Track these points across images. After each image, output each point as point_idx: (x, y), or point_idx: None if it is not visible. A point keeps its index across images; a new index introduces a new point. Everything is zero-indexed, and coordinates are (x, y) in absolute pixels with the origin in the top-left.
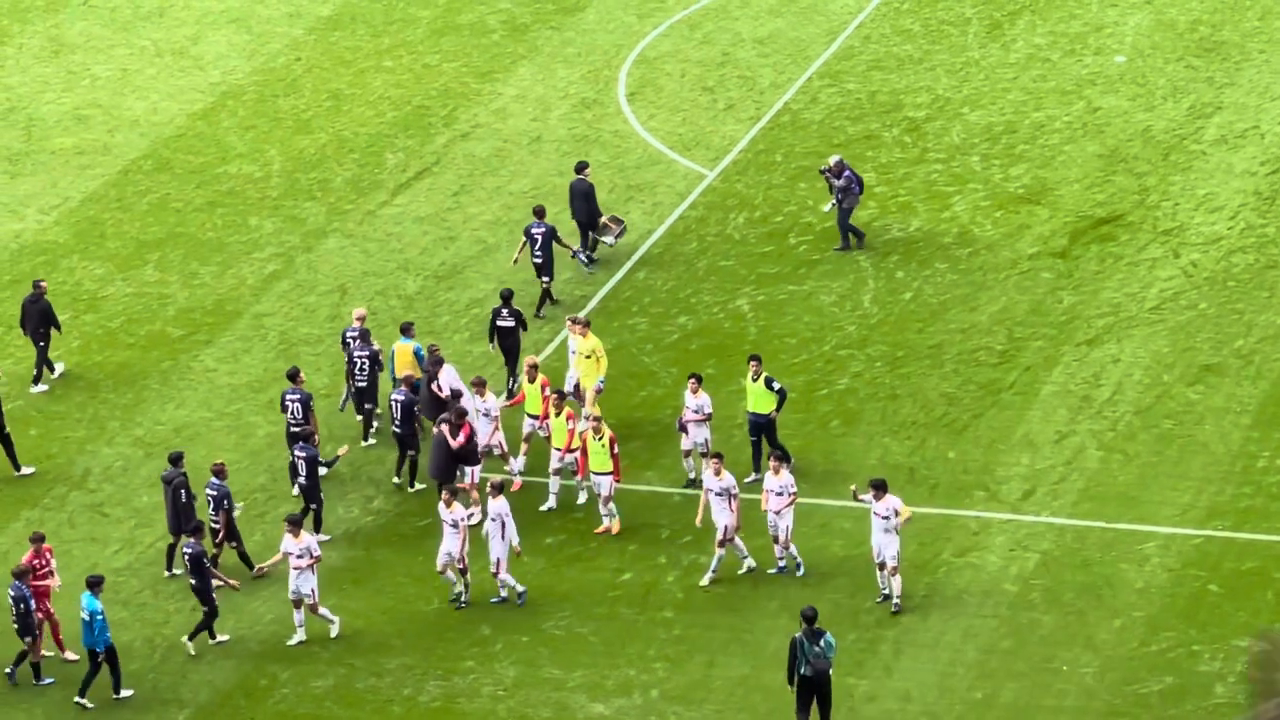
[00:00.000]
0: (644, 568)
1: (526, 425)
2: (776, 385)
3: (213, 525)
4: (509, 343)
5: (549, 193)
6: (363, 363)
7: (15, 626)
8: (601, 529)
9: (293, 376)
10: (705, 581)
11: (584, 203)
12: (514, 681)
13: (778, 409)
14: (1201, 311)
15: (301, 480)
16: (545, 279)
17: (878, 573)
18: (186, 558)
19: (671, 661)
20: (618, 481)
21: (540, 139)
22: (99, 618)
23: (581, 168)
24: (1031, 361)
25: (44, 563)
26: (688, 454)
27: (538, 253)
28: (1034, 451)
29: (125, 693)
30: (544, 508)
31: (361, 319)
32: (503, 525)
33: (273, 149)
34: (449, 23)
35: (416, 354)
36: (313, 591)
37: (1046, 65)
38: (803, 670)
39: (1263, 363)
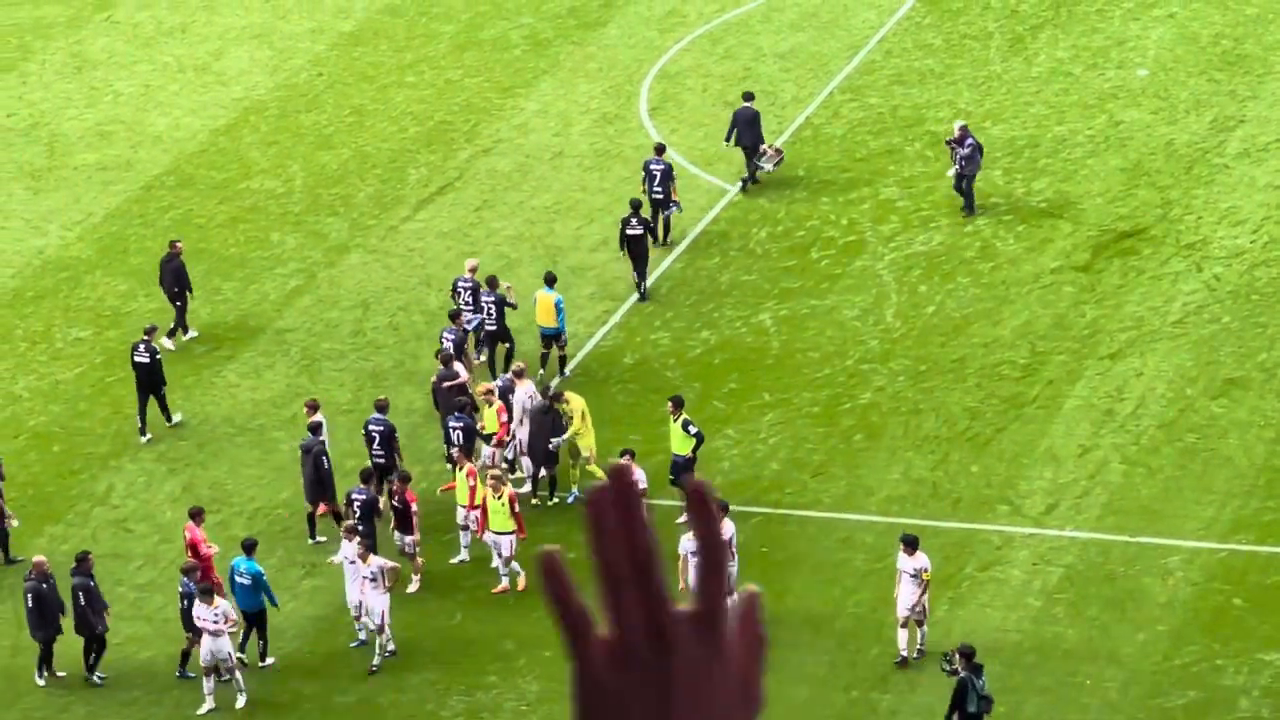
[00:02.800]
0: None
1: (459, 515)
2: (693, 429)
3: (377, 461)
4: (637, 249)
5: (571, 207)
6: (489, 307)
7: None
8: (499, 589)
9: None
10: None
11: (748, 128)
12: (537, 696)
13: (694, 451)
14: (1225, 325)
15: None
16: (669, 210)
17: (899, 631)
18: (357, 505)
19: None
20: (523, 538)
21: (562, 154)
22: (262, 579)
23: (749, 97)
24: (1054, 375)
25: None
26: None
27: (656, 188)
28: (1057, 465)
29: (270, 660)
30: (455, 560)
31: (474, 270)
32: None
33: (295, 164)
34: (471, 38)
35: (557, 305)
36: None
37: (1069, 79)
38: (972, 708)
39: None
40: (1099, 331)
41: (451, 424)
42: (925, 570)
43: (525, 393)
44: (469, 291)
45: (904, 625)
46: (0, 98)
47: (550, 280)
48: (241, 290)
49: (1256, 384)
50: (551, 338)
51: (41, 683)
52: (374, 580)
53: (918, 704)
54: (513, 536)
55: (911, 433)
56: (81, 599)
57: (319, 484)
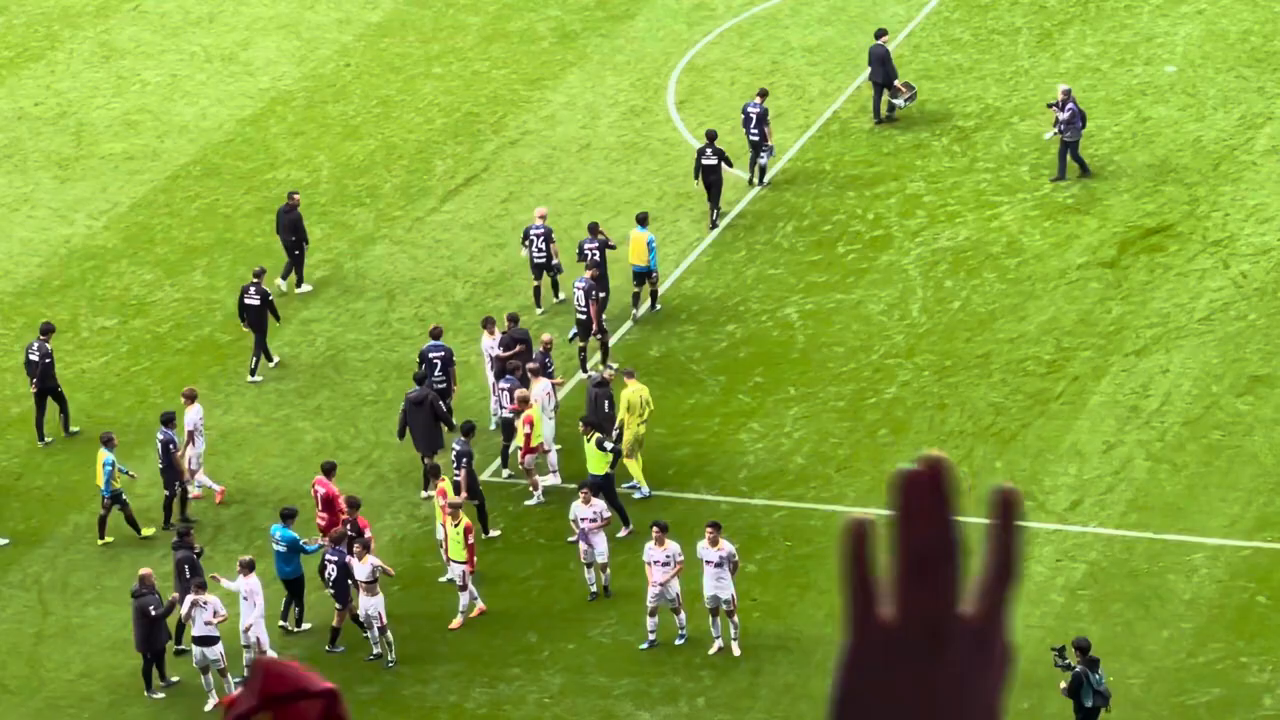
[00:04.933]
0: (690, 575)
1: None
2: (608, 445)
3: (438, 386)
4: (712, 179)
5: (598, 199)
6: (592, 253)
7: (331, 592)
8: (455, 623)
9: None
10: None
11: (880, 66)
12: (560, 689)
13: (611, 468)
14: (1251, 322)
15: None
16: (764, 155)
17: None
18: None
19: (718, 670)
20: (471, 572)
21: (589, 146)
22: (298, 543)
23: (880, 34)
24: (1079, 371)
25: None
26: (588, 566)
27: (753, 130)
28: (1082, 461)
29: (306, 625)
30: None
31: (544, 216)
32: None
33: (321, 155)
34: (498, 30)
35: (649, 245)
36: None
37: (1096, 75)
38: (1089, 703)
39: None
40: (1125, 328)
41: (501, 386)
42: None
43: (543, 390)
44: (541, 238)
45: None
46: (28, 86)
47: (643, 220)
48: (267, 281)
49: None
50: (644, 275)
51: (159, 695)
52: (370, 582)
53: None
54: (465, 566)
55: (936, 428)
56: (187, 571)
57: (434, 434)
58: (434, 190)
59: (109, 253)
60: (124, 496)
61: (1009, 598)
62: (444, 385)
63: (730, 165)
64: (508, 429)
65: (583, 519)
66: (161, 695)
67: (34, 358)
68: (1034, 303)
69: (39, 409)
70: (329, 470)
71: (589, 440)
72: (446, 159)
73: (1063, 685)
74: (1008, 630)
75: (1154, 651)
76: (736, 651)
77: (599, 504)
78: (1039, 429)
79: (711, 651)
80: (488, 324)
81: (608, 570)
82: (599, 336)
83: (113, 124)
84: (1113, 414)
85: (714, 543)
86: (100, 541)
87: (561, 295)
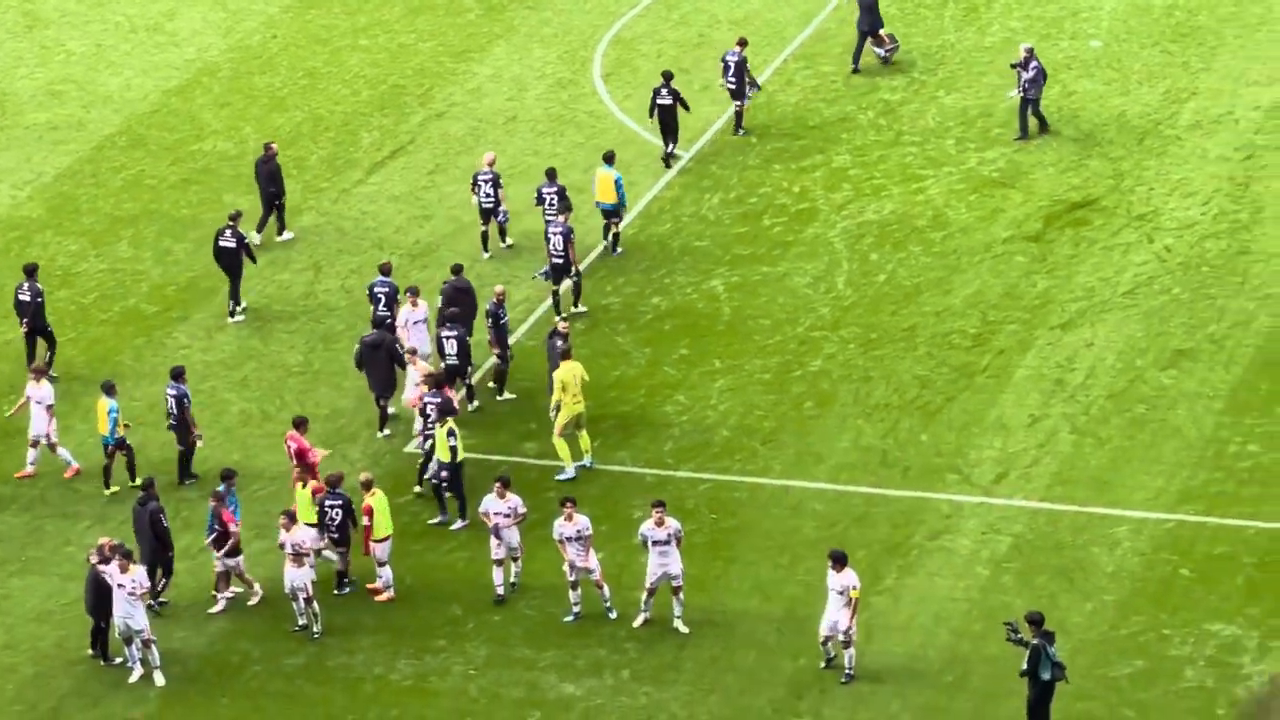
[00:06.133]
0: (616, 548)
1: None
2: (454, 440)
3: (383, 316)
4: (666, 118)
5: (524, 171)
6: (551, 197)
7: (334, 536)
8: (382, 597)
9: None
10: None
11: (868, 14)
12: (485, 661)
13: (454, 457)
14: (1175, 296)
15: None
16: (739, 102)
17: (822, 646)
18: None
19: (643, 642)
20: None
21: (515, 118)
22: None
23: None
24: (1005, 345)
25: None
26: (499, 563)
27: (730, 78)
28: (1007, 435)
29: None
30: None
31: (492, 163)
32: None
33: (248, 126)
34: (425, 2)
35: (617, 182)
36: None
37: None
38: (1046, 675)
39: (1235, 348)
40: (1050, 301)
41: (446, 334)
42: (853, 588)
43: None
44: (489, 183)
45: (824, 642)
46: None
47: (609, 158)
48: (193, 252)
49: (1206, 355)
50: (611, 213)
51: (117, 662)
52: (298, 556)
53: (866, 670)
54: (385, 543)
55: (861, 400)
56: (163, 520)
57: (389, 377)
58: (360, 162)
59: (33, 223)
60: (128, 443)
61: None
62: (389, 319)
63: (686, 108)
64: (451, 377)
65: (496, 513)
66: (120, 661)
67: (24, 298)
68: (959, 276)
69: (29, 348)
70: (300, 425)
71: (442, 429)
72: (373, 131)
73: (1023, 666)
74: None
75: (1078, 624)
76: (685, 629)
77: (514, 499)
78: (964, 402)
79: (637, 624)
80: (413, 293)
81: (519, 563)
82: (575, 279)
83: (36, 94)
84: (1037, 387)
85: (660, 523)
86: (106, 491)
87: (509, 241)
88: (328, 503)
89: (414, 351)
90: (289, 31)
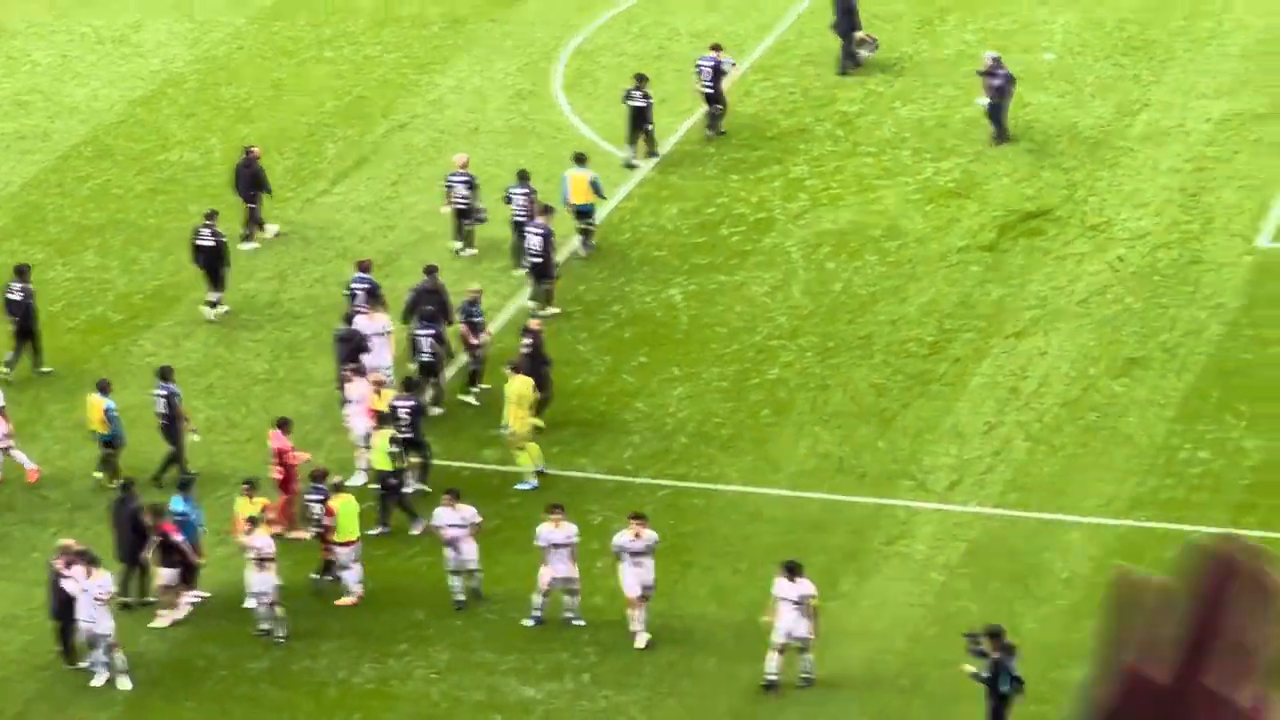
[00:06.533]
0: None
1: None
2: (394, 448)
3: (358, 312)
4: (637, 119)
5: (486, 181)
6: (519, 198)
7: (318, 532)
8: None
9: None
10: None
11: (846, 16)
12: (447, 665)
13: (397, 463)
14: (1127, 306)
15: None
16: (717, 105)
17: (772, 656)
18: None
19: (603, 646)
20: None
21: (477, 130)
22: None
23: None
24: (960, 353)
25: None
26: (456, 574)
27: (708, 84)
28: (962, 442)
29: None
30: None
31: (464, 164)
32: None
33: (214, 137)
34: (390, 14)
35: (593, 183)
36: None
37: (977, 61)
38: (1005, 688)
39: (1186, 356)
40: (1004, 310)
41: (420, 331)
42: (812, 597)
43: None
44: (464, 184)
45: (781, 651)
46: None
47: (580, 159)
48: (159, 260)
49: (1157, 363)
50: (585, 214)
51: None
52: (261, 561)
53: (821, 675)
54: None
55: (818, 408)
56: (147, 518)
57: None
58: (325, 173)
59: (0, 232)
60: (119, 443)
61: (1268, 678)
62: (364, 313)
63: (649, 120)
64: (426, 371)
65: (449, 525)
66: (86, 665)
67: (15, 297)
68: (915, 285)
69: (17, 347)
70: (283, 425)
71: (384, 437)
72: (337, 142)
73: (980, 671)
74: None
75: (1031, 629)
76: (641, 643)
77: (467, 510)
78: (920, 409)
79: (640, 645)
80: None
81: (478, 575)
82: (548, 281)
83: (2, 104)
84: (992, 395)
85: (638, 535)
86: (113, 484)
87: (465, 244)
88: (307, 498)
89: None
90: (255, 43)
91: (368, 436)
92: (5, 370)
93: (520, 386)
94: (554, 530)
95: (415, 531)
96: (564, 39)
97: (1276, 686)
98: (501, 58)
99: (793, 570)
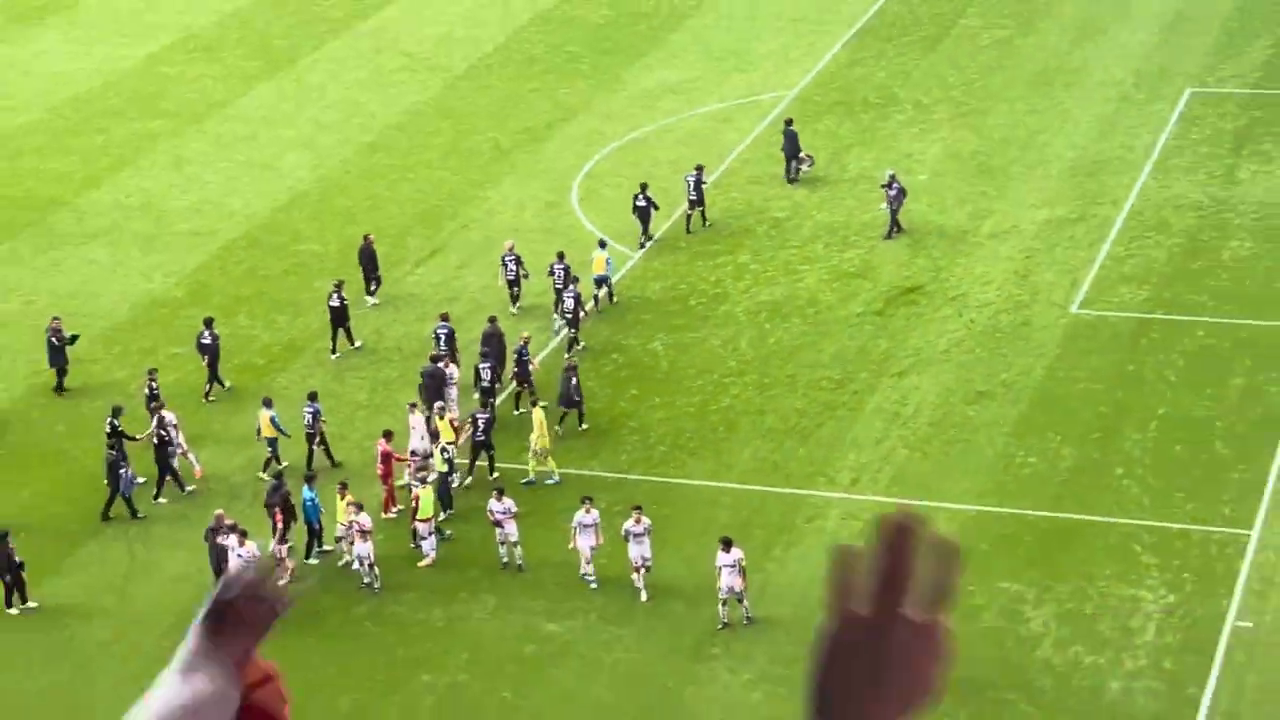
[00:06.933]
0: (600, 531)
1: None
2: (445, 455)
3: (441, 353)
4: (641, 215)
5: (526, 263)
6: (560, 271)
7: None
8: (424, 563)
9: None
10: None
11: (790, 142)
12: (494, 608)
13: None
14: (977, 355)
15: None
16: (701, 207)
17: (720, 606)
18: (481, 421)
19: (606, 596)
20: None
21: (517, 230)
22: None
23: (789, 121)
24: (858, 388)
25: None
26: (501, 544)
27: (693, 192)
28: (859, 450)
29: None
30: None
31: (512, 246)
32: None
33: (330, 234)
34: (455, 147)
35: (607, 262)
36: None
37: (871, 181)
38: None
39: (1020, 390)
40: (890, 357)
41: (483, 365)
42: (742, 560)
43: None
44: (513, 261)
45: (724, 603)
46: (123, 184)
47: (602, 244)
48: (292, 320)
49: (999, 395)
50: (601, 281)
51: None
52: (364, 533)
53: (762, 615)
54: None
55: (758, 426)
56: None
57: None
58: (408, 259)
59: (178, 302)
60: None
61: (945, 606)
62: (447, 353)
63: (656, 208)
64: (484, 394)
65: (497, 512)
66: None
67: (206, 341)
68: (826, 340)
69: (210, 380)
70: (387, 436)
71: (430, 485)
72: (417, 237)
73: None
74: (944, 627)
75: None
76: (645, 594)
77: (509, 501)
78: (830, 428)
79: (645, 599)
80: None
81: (519, 548)
82: (576, 330)
83: (184, 211)
84: (880, 417)
85: (638, 521)
86: (262, 474)
87: (518, 303)
88: (408, 484)
89: (440, 398)
90: (359, 168)
91: (428, 453)
92: (206, 398)
93: (540, 415)
94: (584, 515)
95: (442, 517)
96: (578, 167)
97: (945, 611)
98: (534, 179)
99: (727, 543)
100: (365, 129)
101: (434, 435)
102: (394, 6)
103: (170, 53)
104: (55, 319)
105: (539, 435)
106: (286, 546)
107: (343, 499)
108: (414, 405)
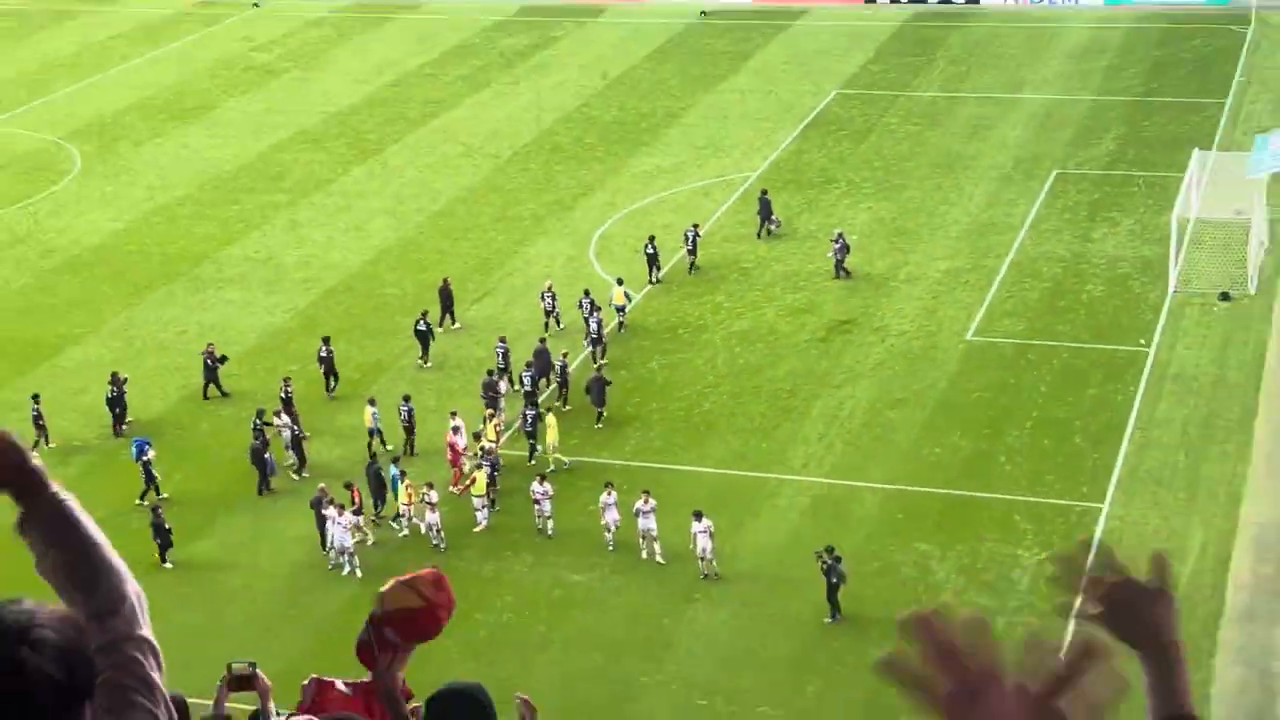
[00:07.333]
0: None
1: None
2: (487, 443)
3: (530, 376)
4: (650, 260)
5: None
6: (586, 306)
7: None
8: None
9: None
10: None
11: (765, 207)
12: (531, 564)
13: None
14: (896, 371)
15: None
16: (694, 256)
17: (699, 563)
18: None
19: (617, 555)
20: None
21: (548, 275)
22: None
23: (764, 191)
24: (806, 396)
25: None
26: (538, 517)
27: (690, 247)
28: (806, 444)
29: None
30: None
31: (550, 284)
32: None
33: (407, 280)
34: (501, 214)
35: (626, 295)
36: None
37: (816, 240)
38: (834, 580)
39: (928, 399)
40: (830, 374)
41: (526, 374)
42: (711, 527)
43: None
44: (550, 296)
45: (701, 559)
46: (252, 243)
47: (620, 281)
48: (379, 345)
49: (913, 402)
50: (620, 310)
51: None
52: (432, 505)
53: (731, 571)
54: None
55: (731, 425)
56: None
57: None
58: (466, 299)
59: (292, 333)
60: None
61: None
62: (504, 369)
63: (658, 266)
64: (528, 398)
65: (537, 492)
66: (333, 566)
67: (324, 355)
68: (782, 361)
69: (328, 385)
70: (456, 430)
71: (480, 471)
72: (473, 282)
73: (821, 569)
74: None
75: (847, 546)
76: (662, 560)
77: (548, 485)
78: (785, 426)
79: (644, 556)
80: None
81: (551, 520)
82: (602, 346)
83: (296, 263)
84: (823, 419)
85: (645, 500)
86: (387, 449)
87: (562, 324)
88: (470, 466)
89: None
90: (431, 230)
91: (468, 449)
92: (330, 395)
93: (553, 419)
94: (607, 496)
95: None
96: (595, 229)
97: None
98: (561, 239)
99: (698, 514)
100: (434, 200)
101: (475, 436)
102: (457, 109)
103: (287, 144)
104: (210, 345)
105: (553, 435)
106: (364, 518)
107: (403, 483)
108: (454, 412)
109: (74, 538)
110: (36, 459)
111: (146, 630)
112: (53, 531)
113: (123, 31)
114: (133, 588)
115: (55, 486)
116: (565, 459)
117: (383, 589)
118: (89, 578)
